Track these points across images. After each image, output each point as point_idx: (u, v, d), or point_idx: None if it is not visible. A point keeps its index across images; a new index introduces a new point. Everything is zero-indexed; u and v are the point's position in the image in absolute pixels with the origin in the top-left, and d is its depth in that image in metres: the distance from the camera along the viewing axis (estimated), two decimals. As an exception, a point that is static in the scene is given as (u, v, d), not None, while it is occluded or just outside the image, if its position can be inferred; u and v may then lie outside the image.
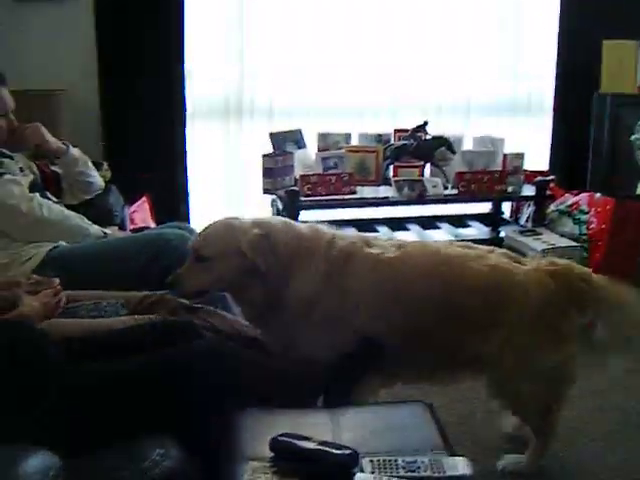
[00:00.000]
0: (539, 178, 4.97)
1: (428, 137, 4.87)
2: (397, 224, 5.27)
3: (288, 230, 2.96)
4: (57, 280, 2.82)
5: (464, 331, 2.86)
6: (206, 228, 3.00)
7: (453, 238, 5.08)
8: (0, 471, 1.54)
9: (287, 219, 3.10)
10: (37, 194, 3.56)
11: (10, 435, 1.82)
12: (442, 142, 4.84)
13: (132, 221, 4.49)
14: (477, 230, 5.29)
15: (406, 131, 4.97)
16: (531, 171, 5.15)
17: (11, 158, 3.62)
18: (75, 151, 3.90)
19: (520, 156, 4.98)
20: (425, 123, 4.88)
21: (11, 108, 3.66)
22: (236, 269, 2.87)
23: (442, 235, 5.18)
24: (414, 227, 5.24)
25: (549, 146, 5.86)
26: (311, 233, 2.96)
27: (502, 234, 5.00)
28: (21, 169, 3.64)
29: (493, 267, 2.90)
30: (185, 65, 5.03)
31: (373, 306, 2.86)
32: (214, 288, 3.01)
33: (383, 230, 5.06)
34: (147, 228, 4.32)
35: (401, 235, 5.06)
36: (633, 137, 4.92)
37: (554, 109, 5.78)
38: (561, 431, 3.38)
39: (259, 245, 2.84)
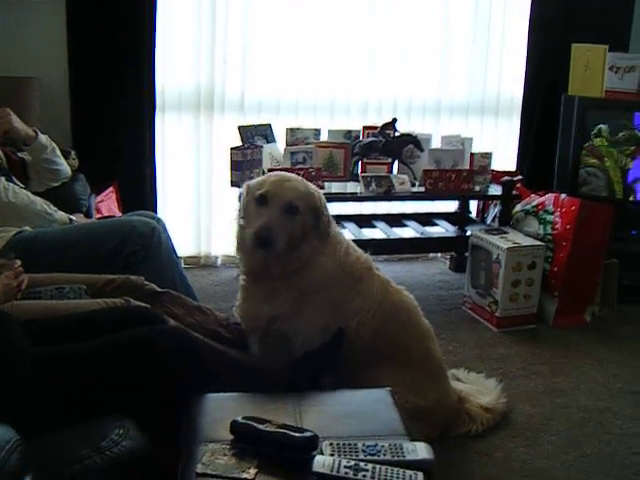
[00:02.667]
0: (506, 178, 4.99)
1: (397, 134, 4.88)
2: (364, 221, 5.27)
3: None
4: (18, 262, 2.79)
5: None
6: (283, 180, 2.97)
7: (420, 236, 5.10)
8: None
9: None
10: (2, 178, 3.54)
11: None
12: (410, 140, 4.86)
13: (99, 210, 4.47)
14: (444, 228, 5.30)
15: (375, 128, 4.98)
16: (498, 171, 5.19)
17: (-23, 143, 3.60)
18: (43, 138, 3.87)
19: (487, 155, 5.02)
20: (394, 120, 4.89)
21: None
22: (308, 223, 2.95)
23: (409, 233, 5.20)
24: (381, 224, 5.25)
25: (517, 147, 5.89)
26: (336, 227, 3.14)
27: (468, 233, 5.01)
28: (-14, 154, 3.62)
29: None
30: (155, 57, 5.00)
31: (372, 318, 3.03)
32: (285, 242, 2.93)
33: (350, 227, 5.06)
34: (113, 217, 4.30)
35: (368, 232, 5.08)
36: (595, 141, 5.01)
37: (522, 110, 5.81)
38: (524, 427, 3.44)
39: (324, 203, 3.00)
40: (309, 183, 3.06)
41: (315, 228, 2.96)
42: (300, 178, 3.06)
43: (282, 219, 2.87)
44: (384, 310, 3.05)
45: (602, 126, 5.03)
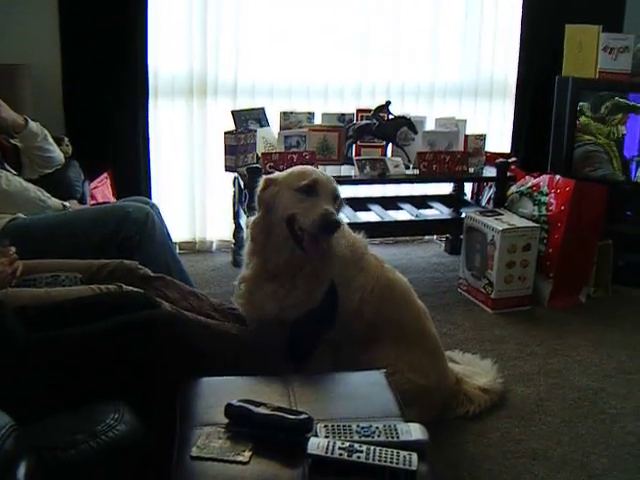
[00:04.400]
0: (500, 160, 5.00)
1: (390, 117, 4.88)
2: (359, 204, 5.27)
3: None
4: (13, 249, 2.79)
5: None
6: (318, 171, 3.00)
7: (415, 218, 5.10)
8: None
9: None
10: (-5, 165, 3.54)
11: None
12: (404, 122, 4.85)
13: (93, 197, 4.47)
14: (438, 211, 5.30)
15: (369, 111, 4.98)
16: (493, 153, 5.19)
17: (-30, 130, 3.59)
18: (34, 126, 3.86)
19: (482, 137, 5.02)
20: (388, 103, 4.88)
21: None
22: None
23: (404, 215, 5.20)
24: (376, 207, 5.24)
25: (511, 128, 5.90)
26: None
27: (463, 215, 5.01)
28: (-21, 141, 3.61)
29: None
30: (148, 42, 4.98)
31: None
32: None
33: (345, 210, 5.04)
34: (107, 203, 4.30)
35: (363, 215, 5.08)
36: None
37: (516, 92, 5.82)
38: (519, 408, 3.46)
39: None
40: None
41: None
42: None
43: (333, 206, 2.89)
44: (381, 287, 3.07)
45: (583, 103, 5.03)
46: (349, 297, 2.96)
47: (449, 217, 5.22)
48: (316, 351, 2.89)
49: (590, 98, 5.02)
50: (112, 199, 4.60)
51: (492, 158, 5.08)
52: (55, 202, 3.70)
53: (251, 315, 3.04)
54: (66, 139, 4.43)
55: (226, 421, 2.08)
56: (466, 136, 5.00)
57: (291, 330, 2.86)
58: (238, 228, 5.10)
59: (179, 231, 5.25)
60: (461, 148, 4.96)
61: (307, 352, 2.83)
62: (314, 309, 2.89)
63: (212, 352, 2.65)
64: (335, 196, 2.91)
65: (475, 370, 3.56)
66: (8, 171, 3.65)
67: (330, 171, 4.70)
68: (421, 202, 5.43)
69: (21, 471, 1.64)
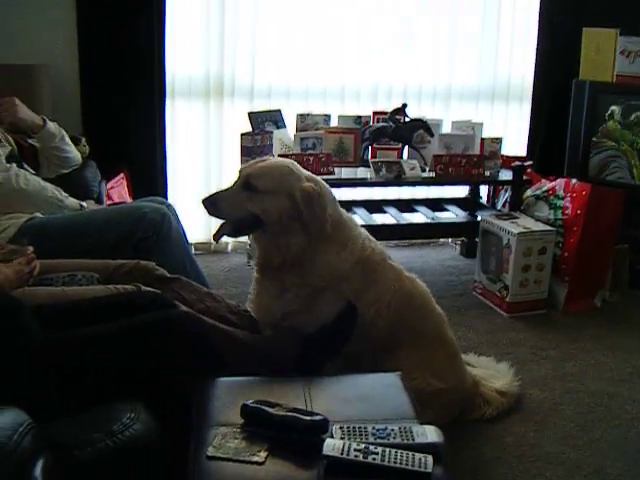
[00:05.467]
0: (516, 163, 4.99)
1: (407, 120, 4.87)
2: (374, 206, 5.28)
3: (335, 203, 3.06)
4: (31, 248, 2.80)
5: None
6: (263, 161, 3.05)
7: (430, 221, 5.10)
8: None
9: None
10: (14, 165, 3.55)
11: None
12: (420, 125, 4.84)
13: (109, 197, 4.48)
14: (454, 214, 5.30)
15: (385, 113, 4.98)
16: (509, 156, 5.18)
17: (-11, 129, 3.61)
18: (52, 126, 3.88)
19: (498, 141, 5.01)
20: (404, 106, 4.88)
21: None
22: (282, 210, 2.91)
23: (419, 218, 5.20)
24: (391, 210, 5.25)
25: (527, 132, 5.88)
26: (351, 222, 3.13)
27: (479, 218, 5.01)
28: (-1, 140, 3.63)
29: None
30: (165, 43, 5.00)
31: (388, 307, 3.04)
32: (251, 221, 2.99)
33: (360, 212, 5.07)
34: (124, 204, 4.32)
35: (378, 218, 5.08)
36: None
37: (533, 95, 5.81)
38: (534, 412, 3.45)
39: (310, 198, 2.90)
40: (308, 176, 3.03)
41: (297, 220, 2.93)
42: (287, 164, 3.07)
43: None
44: (399, 299, 3.05)
45: (614, 108, 4.99)
46: (362, 311, 2.94)
47: (464, 220, 5.22)
48: (328, 364, 2.88)
49: (623, 103, 4.98)
50: (128, 199, 4.61)
51: (508, 161, 5.07)
52: (72, 202, 3.71)
53: (261, 319, 3.07)
54: (83, 139, 4.44)
55: (242, 421, 2.09)
56: (482, 139, 4.99)
57: (304, 343, 2.86)
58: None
59: (195, 232, 5.26)
60: (477, 151, 4.95)
61: (318, 365, 2.82)
62: (328, 324, 2.89)
63: (225, 356, 2.65)
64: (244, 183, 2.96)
65: (491, 373, 3.56)
66: (26, 170, 3.66)
67: (346, 173, 4.74)
68: (437, 205, 5.43)
69: (38, 469, 1.65)
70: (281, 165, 3.03)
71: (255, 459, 1.92)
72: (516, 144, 5.82)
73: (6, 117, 3.74)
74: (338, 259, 2.98)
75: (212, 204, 2.96)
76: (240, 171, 3.03)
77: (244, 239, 5.33)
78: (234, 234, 3.18)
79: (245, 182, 2.95)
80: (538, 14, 5.65)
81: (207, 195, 3.01)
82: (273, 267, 3.02)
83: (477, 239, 4.97)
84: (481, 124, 5.15)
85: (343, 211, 3.12)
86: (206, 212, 3.00)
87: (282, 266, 2.99)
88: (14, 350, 2.15)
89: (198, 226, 5.39)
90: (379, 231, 3.30)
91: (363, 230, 3.16)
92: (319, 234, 2.93)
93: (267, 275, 3.08)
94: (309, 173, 3.06)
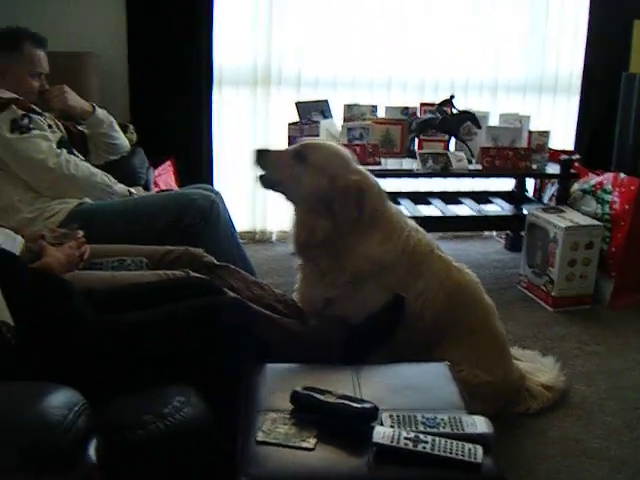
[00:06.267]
0: (564, 156, 4.95)
1: (454, 111, 4.85)
2: (420, 198, 5.26)
3: (381, 197, 3.06)
4: (81, 232, 2.83)
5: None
6: (324, 141, 3.18)
7: (476, 214, 5.08)
8: (29, 403, 1.56)
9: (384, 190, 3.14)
10: (64, 150, 3.59)
11: (38, 372, 1.86)
12: (468, 117, 4.82)
13: (156, 184, 4.52)
14: (500, 207, 5.27)
15: (432, 105, 4.97)
16: (556, 149, 5.13)
17: (41, 115, 3.64)
18: (101, 113, 3.93)
19: (545, 134, 4.96)
20: (451, 97, 4.86)
21: (46, 71, 3.75)
22: (319, 190, 2.94)
23: (465, 210, 5.18)
24: (437, 202, 5.23)
25: (575, 125, 5.84)
26: (398, 214, 3.12)
27: (524, 211, 4.98)
28: (50, 126, 3.66)
29: None
30: (213, 33, 5.03)
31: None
32: (286, 189, 3.06)
33: (406, 203, 5.05)
34: (170, 191, 4.35)
35: (423, 209, 5.06)
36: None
37: (581, 88, 5.76)
38: (579, 407, 3.43)
39: (348, 190, 2.91)
40: (358, 170, 3.05)
41: (326, 205, 2.95)
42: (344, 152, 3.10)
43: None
44: (447, 291, 3.04)
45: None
46: (409, 301, 2.94)
47: (510, 213, 5.18)
48: (373, 353, 2.88)
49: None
50: (175, 187, 4.65)
51: (555, 155, 5.03)
52: (121, 188, 3.74)
53: (305, 307, 3.09)
54: (131, 126, 4.49)
55: (290, 407, 2.10)
56: (530, 132, 4.95)
57: (350, 332, 2.86)
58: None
59: (239, 221, 5.24)
60: (524, 144, 4.92)
61: (364, 354, 2.82)
62: (374, 314, 2.89)
63: (271, 343, 2.66)
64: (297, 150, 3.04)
65: (537, 367, 3.54)
66: (76, 156, 3.70)
67: (392, 164, 4.73)
68: (482, 198, 5.40)
69: (91, 448, 1.67)
70: (336, 149, 3.08)
71: (305, 445, 1.93)
72: (564, 137, 5.78)
73: (56, 103, 3.79)
74: (381, 250, 2.98)
75: (261, 156, 3.04)
76: (302, 141, 3.09)
77: (289, 228, 5.34)
78: (265, 186, 3.18)
79: (299, 150, 3.00)
80: (588, 5, 5.60)
81: (260, 147, 3.09)
82: (302, 246, 3.05)
83: (523, 233, 4.94)
84: (528, 117, 5.11)
85: (391, 204, 3.12)
86: (253, 160, 3.07)
87: (311, 248, 3.01)
88: (67, 332, 2.17)
89: (243, 215, 5.41)
90: (424, 223, 3.26)
91: (411, 222, 3.15)
92: (350, 230, 2.95)
93: (303, 257, 3.11)
94: (361, 168, 3.07)
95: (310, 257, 3.07)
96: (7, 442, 1.47)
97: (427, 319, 3.00)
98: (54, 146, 3.55)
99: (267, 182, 3.11)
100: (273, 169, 3.03)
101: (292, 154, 3.00)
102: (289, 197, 3.09)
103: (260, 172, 3.08)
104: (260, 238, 5.60)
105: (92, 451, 1.67)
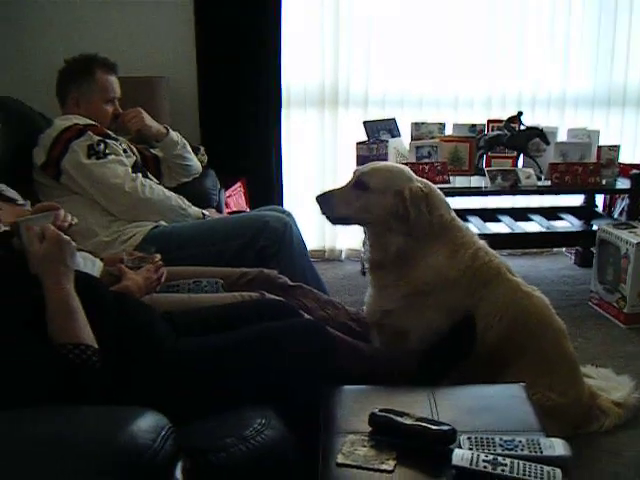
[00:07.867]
0: (634, 171, 4.89)
1: (522, 128, 4.84)
2: (489, 215, 5.26)
3: (447, 207, 3.08)
4: (158, 256, 2.90)
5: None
6: (374, 164, 3.14)
7: (545, 230, 5.06)
8: (118, 427, 1.60)
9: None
10: (140, 174, 3.66)
11: (122, 396, 1.91)
12: (536, 133, 4.80)
13: (227, 205, 4.57)
14: (569, 223, 5.24)
15: (500, 121, 4.96)
16: (626, 164, 5.08)
17: (116, 140, 3.73)
18: (174, 135, 4.01)
19: (615, 148, 4.92)
20: (519, 113, 4.85)
21: (118, 95, 3.84)
22: (388, 208, 2.96)
23: (534, 227, 5.15)
24: (506, 219, 5.22)
25: (645, 139, 5.78)
26: (465, 230, 3.11)
27: (594, 227, 4.94)
28: (125, 151, 3.74)
29: None
30: (281, 54, 5.09)
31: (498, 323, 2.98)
32: (358, 219, 3.08)
33: (475, 220, 5.06)
34: (242, 212, 4.40)
35: (492, 226, 5.06)
36: None
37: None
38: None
39: (418, 196, 2.94)
40: (418, 179, 3.07)
41: (402, 220, 2.96)
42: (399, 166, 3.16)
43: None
44: (512, 315, 2.99)
45: None
46: None
47: (580, 229, 5.16)
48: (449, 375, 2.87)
49: None
50: (246, 208, 4.70)
51: (626, 169, 4.98)
52: (195, 210, 3.80)
53: (368, 317, 3.13)
54: (202, 148, 4.56)
55: (369, 429, 2.11)
56: (599, 147, 4.92)
57: (421, 356, 2.86)
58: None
59: (308, 239, 5.29)
60: (594, 159, 4.88)
61: (435, 379, 2.81)
62: (446, 337, 2.87)
63: (346, 366, 2.68)
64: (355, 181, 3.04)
65: (612, 385, 3.49)
66: (150, 180, 3.77)
67: (460, 182, 4.73)
68: (551, 214, 5.38)
69: (178, 472, 1.71)
70: (392, 166, 3.14)
71: (384, 467, 1.94)
72: (633, 151, 5.71)
73: (134, 125, 3.88)
74: (444, 265, 2.96)
75: (325, 201, 3.06)
76: (354, 172, 3.11)
77: (358, 247, 5.37)
78: (336, 223, 3.23)
79: (357, 180, 3.02)
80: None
81: (321, 192, 3.10)
82: (378, 266, 3.07)
83: (593, 248, 4.90)
84: (597, 131, 5.08)
85: (458, 219, 3.11)
86: (319, 209, 3.08)
87: (385, 265, 3.03)
88: (151, 355, 2.22)
89: (312, 233, 5.44)
90: (493, 240, 3.24)
91: (481, 241, 3.11)
92: (425, 235, 2.95)
93: (376, 274, 3.12)
94: (420, 178, 3.09)
95: (381, 273, 3.09)
96: (104, 467, 1.51)
97: (488, 342, 2.95)
98: (130, 170, 3.63)
99: (337, 220, 3.14)
100: (339, 208, 3.05)
101: (352, 187, 3.03)
102: (362, 224, 3.12)
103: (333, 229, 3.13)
104: (329, 256, 5.64)
105: (179, 474, 1.70)
